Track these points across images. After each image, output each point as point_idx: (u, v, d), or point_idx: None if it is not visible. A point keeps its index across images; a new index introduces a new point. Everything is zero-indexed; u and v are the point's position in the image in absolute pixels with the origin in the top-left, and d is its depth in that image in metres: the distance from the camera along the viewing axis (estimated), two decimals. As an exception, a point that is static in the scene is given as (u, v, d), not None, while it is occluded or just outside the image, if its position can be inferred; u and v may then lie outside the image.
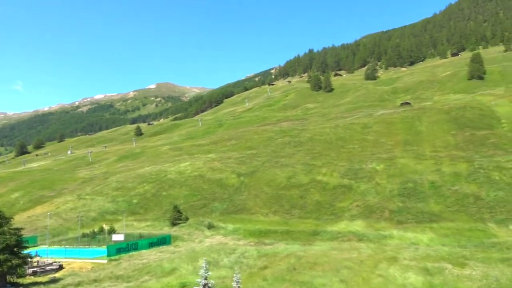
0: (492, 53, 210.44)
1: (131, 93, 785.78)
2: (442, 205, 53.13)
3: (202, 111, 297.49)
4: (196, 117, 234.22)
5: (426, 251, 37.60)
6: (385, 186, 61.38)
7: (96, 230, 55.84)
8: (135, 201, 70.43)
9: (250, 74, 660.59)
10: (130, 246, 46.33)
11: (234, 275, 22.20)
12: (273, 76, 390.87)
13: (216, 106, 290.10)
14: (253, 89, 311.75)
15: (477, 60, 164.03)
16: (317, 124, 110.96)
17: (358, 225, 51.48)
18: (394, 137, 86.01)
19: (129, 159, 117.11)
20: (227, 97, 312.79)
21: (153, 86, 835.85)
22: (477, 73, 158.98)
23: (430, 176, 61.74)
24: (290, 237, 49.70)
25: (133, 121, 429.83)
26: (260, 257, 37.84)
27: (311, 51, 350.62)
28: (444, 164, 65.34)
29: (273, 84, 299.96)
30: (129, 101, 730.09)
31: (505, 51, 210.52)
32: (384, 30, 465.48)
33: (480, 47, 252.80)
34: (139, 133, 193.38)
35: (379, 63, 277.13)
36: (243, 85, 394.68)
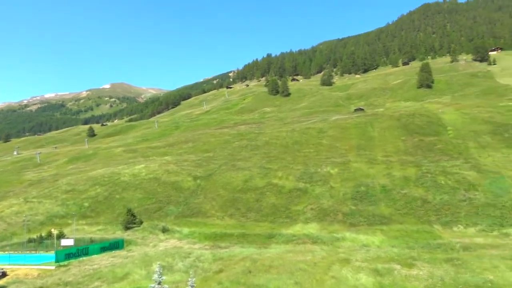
0: (439, 64, 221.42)
1: (84, 92, 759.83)
2: (392, 208, 55.13)
3: (159, 112, 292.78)
4: (152, 119, 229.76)
5: (377, 252, 38.83)
6: (339, 189, 62.87)
7: (43, 234, 53.23)
8: (86, 204, 67.96)
9: (208, 76, 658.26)
10: (80, 251, 44.62)
11: (189, 279, 21.95)
12: (231, 79, 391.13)
13: (173, 108, 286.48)
14: (211, 92, 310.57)
15: (426, 70, 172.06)
16: (274, 128, 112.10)
17: (312, 228, 52.36)
18: (348, 142, 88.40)
19: (81, 160, 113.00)
20: (184, 99, 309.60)
21: (107, 86, 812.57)
22: (426, 82, 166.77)
23: (382, 180, 63.92)
24: (246, 240, 49.75)
25: (86, 122, 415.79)
26: (215, 260, 37.63)
27: (269, 55, 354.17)
28: (395, 169, 67.91)
29: (231, 87, 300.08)
30: (82, 101, 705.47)
31: (451, 62, 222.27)
32: (340, 37, 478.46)
33: (429, 57, 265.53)
34: (92, 134, 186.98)
35: (334, 70, 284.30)
36: (201, 87, 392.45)
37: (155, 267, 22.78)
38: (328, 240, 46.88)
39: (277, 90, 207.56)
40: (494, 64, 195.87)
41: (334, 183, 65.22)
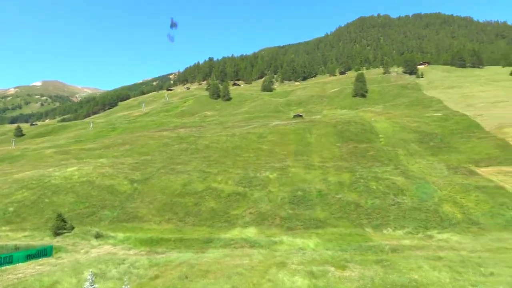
0: (373, 74, 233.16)
1: (12, 89, 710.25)
2: (327, 212, 57.01)
3: (94, 113, 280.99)
4: (87, 119, 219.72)
5: (312, 255, 39.97)
6: (277, 194, 63.93)
7: (-40, 242, 48.94)
8: (11, 209, 63.34)
9: (148, 77, 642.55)
10: (3, 259, 41.48)
11: (123, 286, 21.29)
12: (172, 82, 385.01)
13: (110, 108, 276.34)
14: (151, 94, 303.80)
15: (361, 80, 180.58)
16: (215, 132, 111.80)
17: (250, 232, 52.74)
18: (287, 147, 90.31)
19: (6, 162, 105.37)
20: (122, 100, 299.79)
21: (38, 83, 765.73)
22: (361, 91, 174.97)
23: (318, 185, 65.93)
24: (183, 245, 49.02)
25: (13, 121, 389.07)
26: (151, 266, 36.74)
27: (211, 59, 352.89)
28: (330, 174, 70.37)
29: (171, 90, 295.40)
30: (9, 98, 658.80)
31: (384, 73, 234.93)
32: (281, 45, 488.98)
33: (364, 68, 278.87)
34: (19, 134, 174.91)
35: (275, 76, 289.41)
36: (140, 89, 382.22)
37: (87, 274, 21.87)
38: (266, 244, 47.46)
39: (218, 94, 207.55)
40: (422, 77, 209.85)
41: (273, 188, 66.24)
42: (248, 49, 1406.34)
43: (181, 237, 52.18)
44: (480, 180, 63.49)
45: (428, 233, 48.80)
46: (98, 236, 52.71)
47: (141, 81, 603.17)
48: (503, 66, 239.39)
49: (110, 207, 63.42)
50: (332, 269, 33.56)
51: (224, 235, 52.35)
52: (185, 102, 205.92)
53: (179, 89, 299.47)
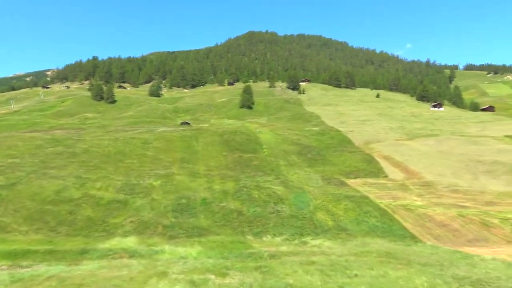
0: (260, 87, 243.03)
1: None
2: (211, 220, 57.49)
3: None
4: None
5: (194, 264, 39.85)
6: (160, 201, 62.55)
7: None
8: None
9: (20, 72, 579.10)
10: None
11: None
12: (48, 79, 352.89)
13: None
14: (23, 90, 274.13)
15: (248, 92, 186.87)
16: (96, 136, 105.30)
17: (131, 242, 50.65)
18: (172, 154, 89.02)
19: None
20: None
21: None
22: (247, 103, 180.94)
23: (202, 193, 66.19)
24: (54, 258, 44.99)
25: None
26: (13, 282, 32.94)
27: (95, 58, 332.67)
28: (215, 182, 71.22)
29: (48, 87, 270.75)
30: None
31: (270, 87, 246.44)
32: (171, 50, 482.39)
33: (251, 80, 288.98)
34: None
35: (164, 81, 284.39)
36: (10, 84, 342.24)
37: None
38: (147, 254, 46.00)
39: (102, 96, 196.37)
40: (303, 93, 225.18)
41: (156, 195, 64.66)
42: (137, 52, 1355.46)
43: (51, 249, 47.84)
44: (349, 190, 70.05)
45: (303, 239, 52.13)
46: None
47: (11, 75, 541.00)
48: (371, 89, 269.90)
49: (-35, 216, 55.53)
50: (213, 277, 33.84)
51: (101, 245, 49.37)
52: (63, 102, 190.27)
53: (58, 87, 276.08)
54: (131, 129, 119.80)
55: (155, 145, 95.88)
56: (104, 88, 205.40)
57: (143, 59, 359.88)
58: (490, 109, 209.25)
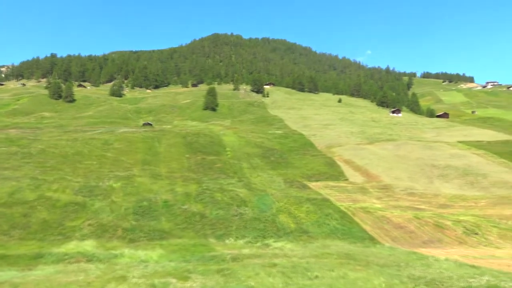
0: (224, 90, 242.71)
1: None
2: (173, 223, 56.77)
3: None
4: None
5: (155, 267, 39.20)
6: (121, 204, 61.14)
7: None
8: None
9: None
10: None
11: None
12: (3, 75, 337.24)
13: None
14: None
15: (212, 94, 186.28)
16: (53, 136, 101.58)
17: (88, 245, 49.18)
18: (134, 156, 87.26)
19: None
20: None
21: None
22: (211, 105, 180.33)
23: (164, 195, 65.25)
24: (5, 263, 42.96)
25: None
26: (-39, 289, 31.26)
27: (53, 55, 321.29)
28: (178, 185, 70.41)
29: (2, 84, 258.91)
30: None
31: (234, 89, 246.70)
32: (134, 50, 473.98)
33: (215, 82, 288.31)
34: None
35: (126, 81, 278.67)
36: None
37: None
38: (105, 258, 44.81)
39: (60, 95, 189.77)
40: (267, 96, 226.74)
41: (116, 198, 63.15)
42: (98, 50, 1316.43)
43: (3, 253, 45.69)
44: (311, 193, 71.13)
45: (266, 242, 52.44)
46: None
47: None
48: (333, 94, 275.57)
49: None
50: (174, 280, 33.44)
51: (57, 249, 47.65)
52: (18, 100, 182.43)
53: (13, 84, 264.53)
54: (90, 129, 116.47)
55: (116, 146, 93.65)
56: (63, 86, 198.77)
57: (105, 57, 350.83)
58: (445, 115, 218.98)
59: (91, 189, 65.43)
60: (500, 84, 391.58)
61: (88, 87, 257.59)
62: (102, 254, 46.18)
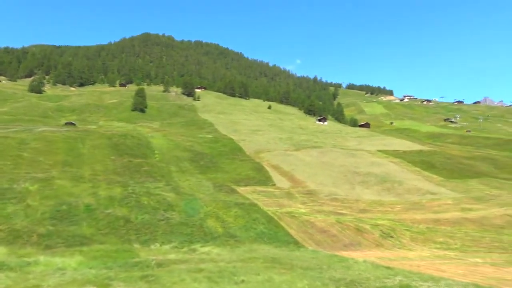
0: (153, 91, 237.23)
1: None
2: (95, 228, 54.23)
3: None
4: None
5: (73, 275, 37.03)
6: (37, 208, 57.16)
7: None
8: None
9: None
10: None
11: None
12: None
13: None
14: None
15: (141, 94, 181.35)
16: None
17: (-2, 253, 45.40)
18: (53, 157, 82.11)
19: None
20: None
21: None
22: (140, 106, 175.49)
23: (86, 199, 62.14)
24: None
25: None
26: None
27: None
28: (101, 188, 67.40)
29: None
30: None
31: (164, 91, 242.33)
32: (58, 44, 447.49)
33: (145, 83, 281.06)
34: None
35: (47, 77, 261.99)
36: None
37: None
38: (17, 266, 41.46)
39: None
40: (198, 100, 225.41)
41: (32, 201, 58.94)
42: (17, 42, 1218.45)
43: None
44: (239, 197, 71.76)
45: (193, 246, 51.89)
46: None
47: None
48: (264, 100, 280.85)
49: None
50: (94, 288, 31.96)
51: (-40, 257, 43.41)
52: None
53: None
54: (5, 127, 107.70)
55: (34, 146, 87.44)
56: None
57: (24, 50, 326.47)
58: (367, 125, 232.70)
59: (3, 192, 60.40)
60: (416, 98, 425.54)
61: (4, 81, 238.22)
62: (13, 262, 42.73)
